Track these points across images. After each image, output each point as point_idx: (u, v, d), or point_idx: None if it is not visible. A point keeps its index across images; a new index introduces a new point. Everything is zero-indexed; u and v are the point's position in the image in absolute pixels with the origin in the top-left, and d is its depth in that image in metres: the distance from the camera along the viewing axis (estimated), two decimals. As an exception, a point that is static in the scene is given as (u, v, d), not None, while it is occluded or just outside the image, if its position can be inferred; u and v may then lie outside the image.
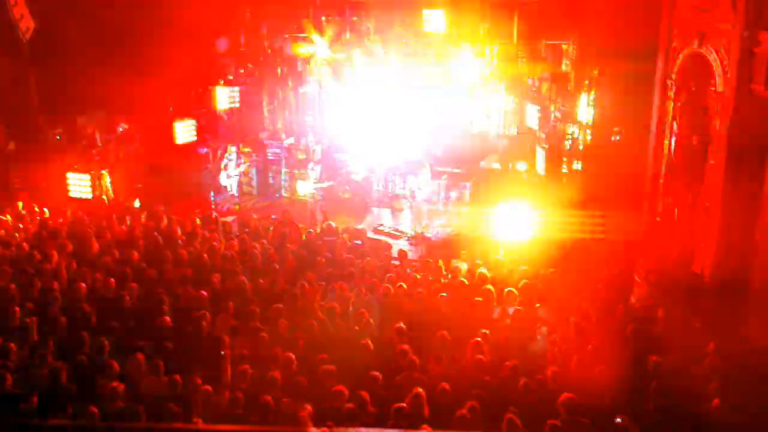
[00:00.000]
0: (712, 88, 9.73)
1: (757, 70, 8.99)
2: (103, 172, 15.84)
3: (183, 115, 17.99)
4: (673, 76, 10.59)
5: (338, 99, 18.54)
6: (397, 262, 11.97)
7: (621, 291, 10.92)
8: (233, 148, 16.75)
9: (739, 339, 8.98)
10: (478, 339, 8.51)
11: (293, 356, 8.24)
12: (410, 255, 12.83)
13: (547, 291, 10.37)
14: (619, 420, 7.33)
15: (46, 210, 13.75)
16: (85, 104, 17.23)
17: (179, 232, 12.51)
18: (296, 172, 17.13)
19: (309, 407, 7.08)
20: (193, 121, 18.21)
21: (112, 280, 10.28)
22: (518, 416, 7.02)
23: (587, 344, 8.73)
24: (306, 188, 16.39)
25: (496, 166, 17.10)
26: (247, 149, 17.48)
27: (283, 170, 17.32)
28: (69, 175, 15.50)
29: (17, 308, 9.39)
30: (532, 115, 17.32)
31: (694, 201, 10.23)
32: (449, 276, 11.05)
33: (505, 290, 9.96)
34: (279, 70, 19.15)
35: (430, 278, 10.88)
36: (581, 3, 14.82)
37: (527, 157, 16.63)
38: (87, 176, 15.50)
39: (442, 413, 7.23)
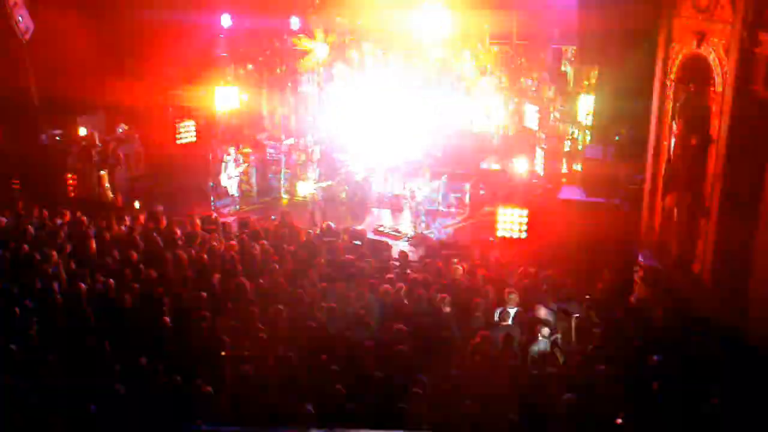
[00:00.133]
0: (712, 88, 9.73)
1: (756, 70, 8.99)
2: (103, 172, 15.85)
3: (183, 115, 18.02)
4: (673, 77, 10.59)
5: (338, 99, 18.54)
6: (397, 263, 11.96)
7: (621, 291, 10.93)
8: (233, 149, 16.72)
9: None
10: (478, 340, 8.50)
11: (293, 356, 8.23)
12: (410, 256, 12.83)
13: (547, 291, 10.37)
14: (619, 420, 7.33)
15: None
16: (85, 105, 17.25)
17: (179, 232, 12.50)
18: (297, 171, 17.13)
19: (309, 407, 7.10)
20: (193, 122, 18.26)
21: (111, 281, 10.26)
22: (518, 416, 7.02)
23: (587, 344, 8.73)
24: (306, 189, 16.37)
25: (496, 166, 17.10)
26: (246, 149, 17.47)
27: (283, 170, 17.31)
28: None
29: (17, 308, 9.38)
30: (532, 116, 17.34)
31: (694, 201, 10.22)
32: (449, 276, 11.03)
33: (506, 290, 9.96)
34: (279, 70, 19.16)
35: (430, 279, 10.87)
36: (581, 3, 14.82)
37: (527, 157, 16.61)
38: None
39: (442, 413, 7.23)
